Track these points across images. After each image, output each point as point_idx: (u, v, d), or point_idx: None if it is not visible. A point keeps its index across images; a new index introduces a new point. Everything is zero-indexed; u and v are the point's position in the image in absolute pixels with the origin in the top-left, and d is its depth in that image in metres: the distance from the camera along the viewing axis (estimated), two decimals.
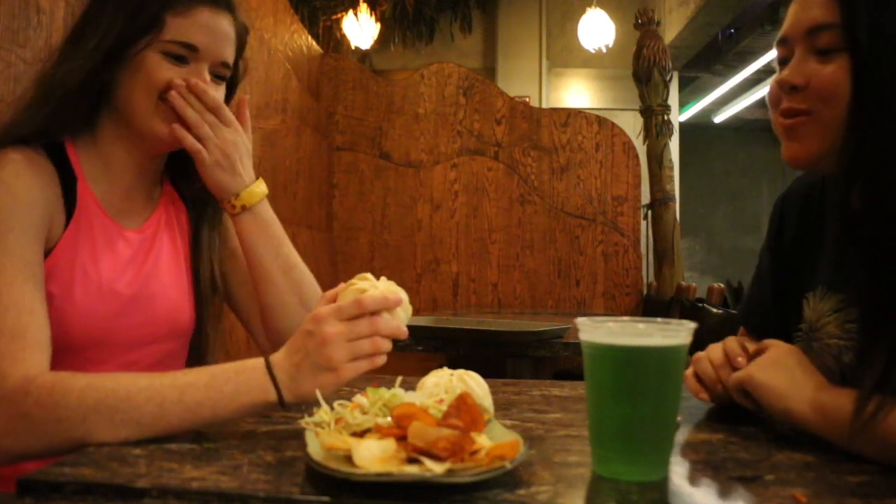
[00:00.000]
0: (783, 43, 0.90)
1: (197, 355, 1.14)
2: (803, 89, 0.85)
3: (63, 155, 0.97)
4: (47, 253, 0.93)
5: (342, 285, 0.84)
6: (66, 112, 0.96)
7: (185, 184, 1.14)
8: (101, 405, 0.76)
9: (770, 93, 0.90)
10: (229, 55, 1.04)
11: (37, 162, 0.93)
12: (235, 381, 0.78)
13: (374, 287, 0.82)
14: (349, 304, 0.78)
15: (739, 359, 0.88)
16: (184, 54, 0.98)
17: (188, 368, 0.83)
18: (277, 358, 0.80)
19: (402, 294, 0.82)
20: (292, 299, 1.07)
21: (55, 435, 0.76)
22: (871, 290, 0.81)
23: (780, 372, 0.82)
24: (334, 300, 0.82)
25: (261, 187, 1.05)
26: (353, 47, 5.58)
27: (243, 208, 1.03)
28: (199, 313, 1.11)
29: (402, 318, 0.82)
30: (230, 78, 1.08)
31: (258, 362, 0.80)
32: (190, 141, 0.99)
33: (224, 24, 1.02)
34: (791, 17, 0.88)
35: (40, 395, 0.77)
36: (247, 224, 1.04)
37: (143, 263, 1.04)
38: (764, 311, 1.08)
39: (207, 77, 1.01)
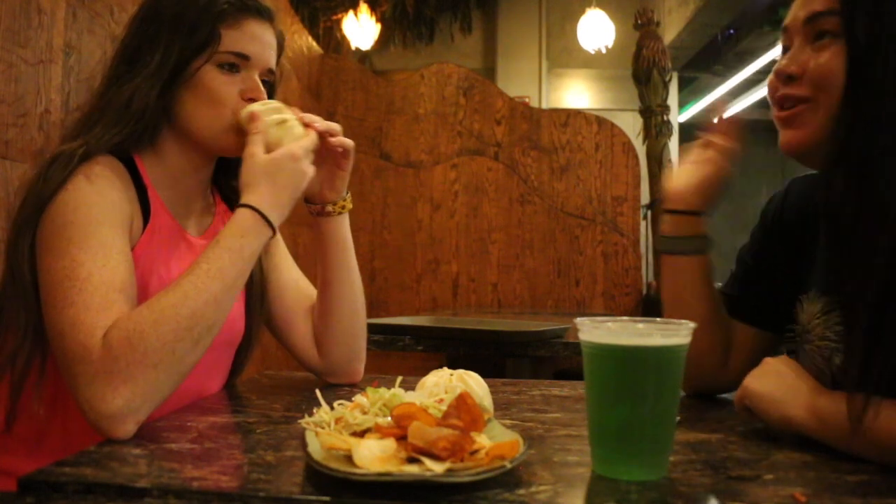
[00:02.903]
0: (784, 32, 0.90)
1: (239, 363, 1.16)
2: (799, 78, 0.86)
3: (133, 166, 1.01)
4: None
5: (255, 111, 0.98)
6: (138, 129, 1.00)
7: (234, 190, 1.17)
8: (179, 331, 0.82)
9: (769, 83, 0.91)
10: (273, 62, 1.08)
11: (118, 170, 0.98)
12: (249, 245, 0.91)
13: (287, 113, 1.00)
14: (313, 144, 0.99)
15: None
16: (237, 62, 1.02)
17: (202, 256, 0.89)
18: (263, 201, 0.92)
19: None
20: (356, 304, 1.14)
21: (157, 380, 0.80)
22: (853, 287, 0.79)
23: (774, 380, 0.82)
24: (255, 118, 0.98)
25: None
26: (353, 48, 5.58)
27: (343, 208, 1.11)
28: (248, 322, 1.14)
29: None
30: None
31: (251, 218, 0.91)
32: (347, 141, 1.08)
33: (268, 34, 1.07)
34: (793, 8, 0.89)
35: (122, 351, 0.79)
36: (345, 223, 1.13)
37: None
38: (739, 298, 1.07)
39: (259, 82, 1.04)
